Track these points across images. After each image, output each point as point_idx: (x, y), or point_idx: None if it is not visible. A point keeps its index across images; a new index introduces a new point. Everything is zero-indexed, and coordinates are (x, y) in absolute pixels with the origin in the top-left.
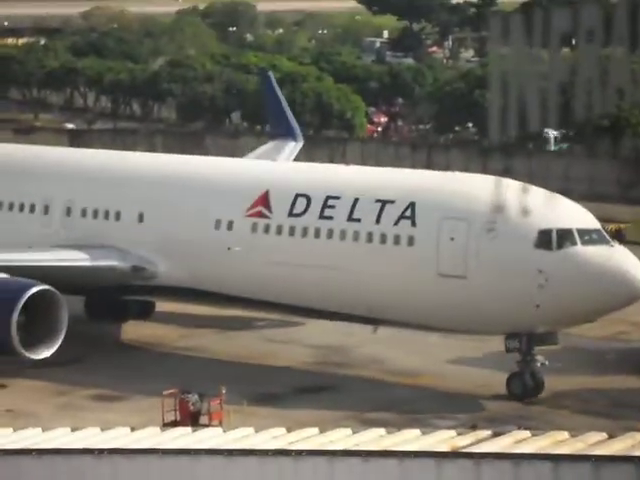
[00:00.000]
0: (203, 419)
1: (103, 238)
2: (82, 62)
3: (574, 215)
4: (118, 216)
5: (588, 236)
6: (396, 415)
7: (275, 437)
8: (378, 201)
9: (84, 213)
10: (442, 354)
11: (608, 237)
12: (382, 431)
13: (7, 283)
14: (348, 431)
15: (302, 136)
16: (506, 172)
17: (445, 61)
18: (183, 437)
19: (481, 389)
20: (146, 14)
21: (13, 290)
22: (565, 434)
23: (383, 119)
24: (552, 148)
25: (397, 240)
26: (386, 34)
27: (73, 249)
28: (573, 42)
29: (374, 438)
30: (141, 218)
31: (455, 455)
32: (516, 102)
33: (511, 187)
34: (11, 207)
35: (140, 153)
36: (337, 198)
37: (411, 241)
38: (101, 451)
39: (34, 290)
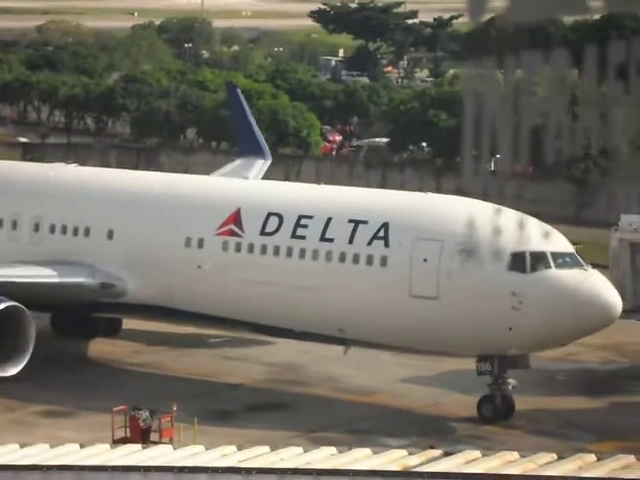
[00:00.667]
0: (154, 436)
1: (71, 254)
2: (36, 76)
3: (548, 238)
4: (87, 232)
5: (562, 259)
6: (348, 434)
7: (225, 455)
8: (351, 221)
9: (52, 229)
10: (395, 373)
11: (582, 261)
12: (333, 450)
13: None
14: (299, 449)
15: (270, 154)
16: (459, 192)
17: (400, 80)
18: (133, 454)
19: (433, 408)
20: (101, 28)
21: None
22: (515, 454)
23: (338, 137)
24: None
25: (370, 260)
26: (342, 53)
27: (41, 265)
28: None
29: (325, 457)
30: (110, 235)
31: (406, 474)
32: (487, 128)
33: (484, 209)
34: None
35: (111, 169)
36: (310, 217)
37: (384, 261)
38: (50, 467)
39: (1, 307)
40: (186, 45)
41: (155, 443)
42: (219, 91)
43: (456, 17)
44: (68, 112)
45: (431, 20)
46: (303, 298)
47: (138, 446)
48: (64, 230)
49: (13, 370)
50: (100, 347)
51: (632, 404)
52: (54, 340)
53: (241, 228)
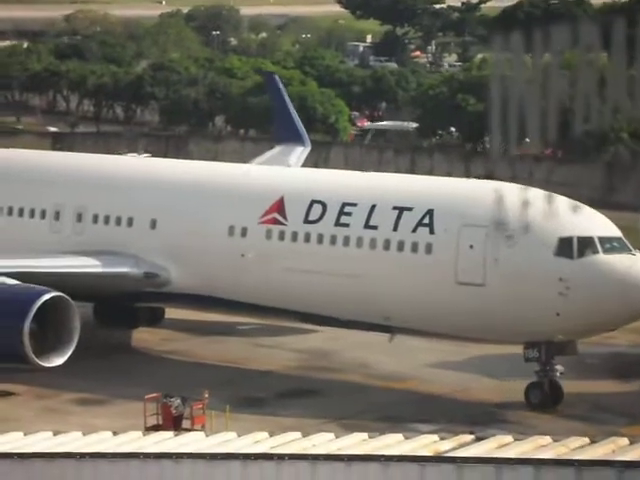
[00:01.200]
0: (185, 423)
1: (115, 245)
2: (65, 65)
3: (595, 223)
4: (130, 222)
5: (609, 244)
6: (379, 420)
7: (257, 441)
8: (395, 208)
9: (96, 219)
10: (424, 358)
11: (630, 245)
12: (365, 435)
13: (19, 290)
14: (331, 435)
15: (309, 141)
16: (489, 177)
17: (428, 65)
18: (165, 441)
19: (463, 393)
20: (129, 17)
21: (25, 297)
22: (547, 439)
23: (367, 123)
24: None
25: (415, 248)
26: (369, 38)
27: (85, 255)
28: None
29: (357, 442)
30: (154, 224)
31: (438, 459)
32: (516, 113)
33: (532, 194)
34: (21, 213)
35: (153, 158)
36: (354, 205)
37: (429, 249)
38: (83, 455)
39: (46, 297)
40: (214, 33)
41: (187, 430)
42: (247, 78)
43: (484, 1)
44: (97, 101)
45: (459, 4)
46: (347, 286)
47: (170, 433)
48: (107, 220)
49: (58, 360)
50: (131, 335)
51: None
52: (96, 330)
53: (284, 216)
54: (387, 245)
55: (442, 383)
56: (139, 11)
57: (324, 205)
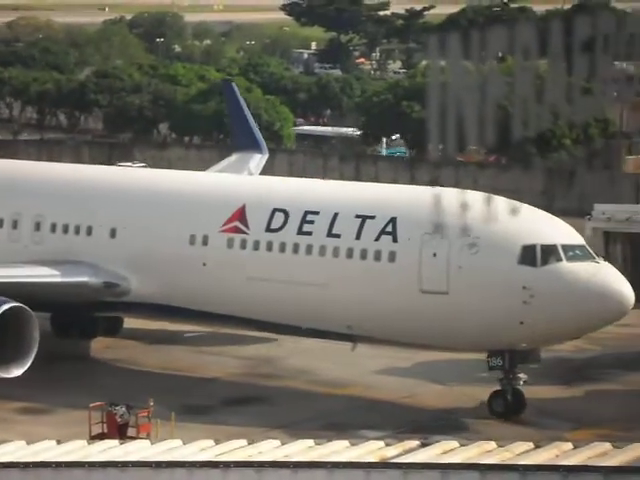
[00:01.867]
0: (131, 431)
1: (74, 254)
2: (7, 72)
3: (558, 230)
4: (89, 231)
5: (572, 252)
6: (325, 426)
7: (203, 449)
8: (358, 216)
9: (54, 228)
10: (370, 365)
11: (593, 253)
12: (311, 442)
13: None
14: (277, 442)
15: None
16: (434, 183)
17: (373, 72)
18: (110, 450)
19: (409, 399)
20: (72, 24)
21: None
22: (492, 444)
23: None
24: (384, 152)
25: (378, 256)
26: (314, 45)
27: (43, 265)
28: (500, 55)
29: (303, 449)
30: (113, 233)
31: (384, 465)
32: (452, 116)
33: (494, 202)
34: None
35: (111, 167)
36: (316, 213)
37: (392, 257)
38: (27, 465)
39: (5, 307)
40: (157, 40)
41: (132, 438)
42: (191, 85)
43: (428, 8)
44: (40, 108)
45: (403, 11)
46: (310, 295)
47: (115, 442)
48: (65, 229)
49: (17, 371)
50: (77, 343)
51: (606, 392)
52: (49, 339)
53: (246, 225)
54: (350, 253)
55: (388, 389)
56: (82, 18)
57: (286, 213)
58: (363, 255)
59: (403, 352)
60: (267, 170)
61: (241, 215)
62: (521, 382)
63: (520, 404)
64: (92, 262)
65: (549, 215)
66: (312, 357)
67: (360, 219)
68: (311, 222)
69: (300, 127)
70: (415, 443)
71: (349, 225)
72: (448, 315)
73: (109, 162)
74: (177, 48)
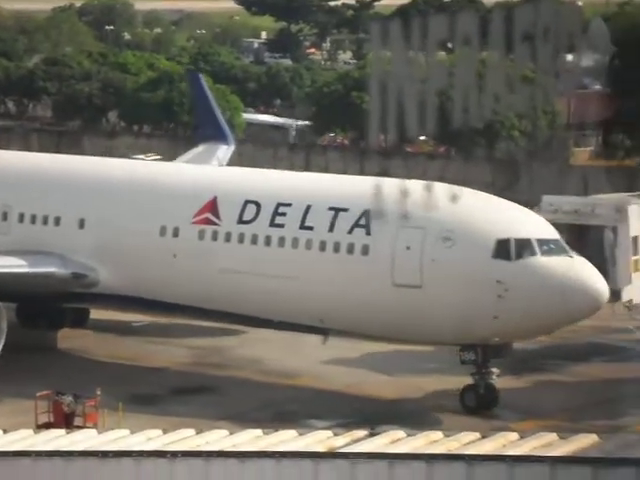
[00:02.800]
0: (78, 421)
1: (42, 244)
2: None
3: (532, 224)
4: (57, 221)
5: (547, 246)
6: (273, 416)
7: (150, 439)
8: (331, 209)
9: (22, 218)
10: (319, 355)
11: (567, 247)
12: (259, 432)
13: None
14: (224, 432)
15: (233, 139)
16: (383, 174)
17: (323, 62)
18: (57, 439)
19: (357, 389)
20: (21, 11)
21: None
22: (439, 434)
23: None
24: (292, 140)
25: (351, 249)
26: (264, 35)
27: (10, 255)
28: (450, 46)
29: (251, 439)
30: (82, 224)
31: (331, 455)
32: (395, 106)
33: (469, 195)
34: None
35: (81, 156)
36: (288, 205)
37: (366, 250)
38: None
39: None
40: (107, 27)
41: (79, 428)
42: (141, 74)
43: None
44: None
45: (353, 2)
46: (282, 288)
47: (62, 431)
48: (33, 219)
49: None
50: (24, 332)
51: (553, 383)
52: (13, 330)
53: (218, 216)
54: (323, 246)
55: (336, 379)
56: (31, 5)
57: (258, 205)
58: (336, 248)
59: (351, 343)
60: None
61: (213, 206)
62: (494, 376)
63: (492, 399)
64: (60, 253)
65: (524, 209)
66: (261, 347)
67: (333, 211)
68: (283, 214)
69: (250, 116)
70: (363, 433)
71: (322, 217)
72: (421, 309)
73: (57, 150)
74: (127, 36)
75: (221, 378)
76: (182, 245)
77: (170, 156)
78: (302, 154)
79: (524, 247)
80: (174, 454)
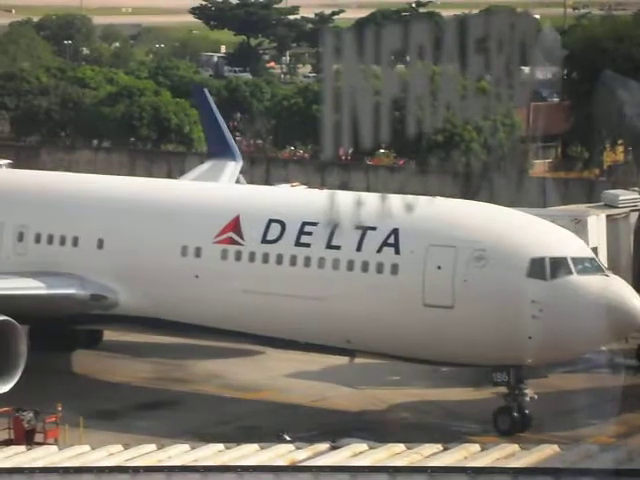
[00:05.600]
0: (38, 437)
1: (59, 265)
2: None
3: (567, 243)
4: (75, 242)
5: (582, 265)
6: (235, 430)
7: (112, 454)
8: (359, 227)
9: (38, 239)
10: (281, 368)
11: (602, 266)
12: (221, 446)
13: None
14: (186, 447)
15: (240, 155)
16: (343, 187)
17: (282, 76)
18: (17, 456)
19: (320, 402)
20: None
21: None
22: (401, 446)
23: None
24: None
25: (380, 269)
26: (223, 49)
27: (27, 277)
28: (407, 59)
29: (213, 453)
30: (101, 244)
31: (293, 469)
32: (349, 118)
33: (502, 213)
34: None
35: (98, 175)
36: (314, 224)
37: (395, 270)
38: None
39: None
40: (65, 42)
41: (40, 444)
42: (100, 88)
43: (337, 13)
44: None
45: (312, 16)
46: (308, 308)
47: (22, 448)
48: (50, 240)
49: (4, 387)
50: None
51: None
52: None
53: (241, 236)
54: (351, 266)
55: (298, 393)
56: None
57: (283, 224)
58: (364, 267)
59: (312, 356)
60: (178, 173)
61: (235, 226)
62: (527, 398)
63: (526, 422)
64: (79, 274)
65: (558, 227)
66: (224, 361)
67: (361, 230)
68: (309, 233)
69: None
70: (325, 446)
71: (349, 236)
72: (453, 330)
73: (16, 165)
74: (85, 51)
75: (183, 393)
76: (204, 265)
77: (131, 171)
78: (262, 167)
79: (559, 266)
80: (136, 469)
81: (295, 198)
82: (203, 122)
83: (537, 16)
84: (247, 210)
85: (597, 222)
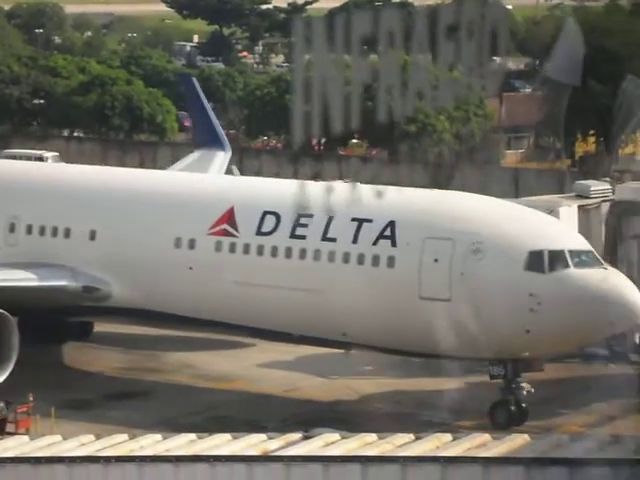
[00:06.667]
0: (10, 427)
1: (51, 257)
2: None
3: (565, 235)
4: (68, 233)
5: (580, 258)
6: (208, 420)
7: (83, 444)
8: (354, 220)
9: (30, 230)
10: (254, 358)
11: (600, 259)
12: (193, 436)
13: None
14: (158, 437)
15: (229, 145)
16: (316, 177)
17: (255, 66)
18: None
19: (293, 392)
20: None
21: None
22: (374, 436)
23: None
24: None
25: (376, 261)
26: (196, 38)
27: (19, 268)
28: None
29: (185, 443)
30: (93, 235)
31: (265, 459)
32: (319, 107)
33: (496, 205)
34: None
35: (90, 166)
36: (309, 216)
37: (391, 262)
38: None
39: None
40: (37, 31)
41: (11, 434)
42: (72, 77)
43: (310, 2)
44: None
45: (285, 5)
46: (304, 301)
47: None
48: (42, 231)
49: None
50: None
51: (486, 384)
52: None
53: (235, 228)
54: (346, 258)
55: (271, 383)
56: None
57: (278, 216)
58: (360, 260)
59: (285, 346)
60: (151, 163)
61: (230, 217)
62: (524, 392)
63: (522, 415)
64: (71, 265)
65: (555, 219)
66: (196, 351)
67: (357, 222)
68: (305, 225)
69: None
70: (297, 436)
71: (345, 229)
72: (449, 323)
73: None
74: (57, 40)
75: (156, 383)
76: (198, 257)
77: (103, 160)
78: (235, 157)
79: (557, 259)
80: (107, 459)
81: (289, 190)
82: (191, 112)
83: (509, 6)
84: (242, 202)
85: (569, 213)
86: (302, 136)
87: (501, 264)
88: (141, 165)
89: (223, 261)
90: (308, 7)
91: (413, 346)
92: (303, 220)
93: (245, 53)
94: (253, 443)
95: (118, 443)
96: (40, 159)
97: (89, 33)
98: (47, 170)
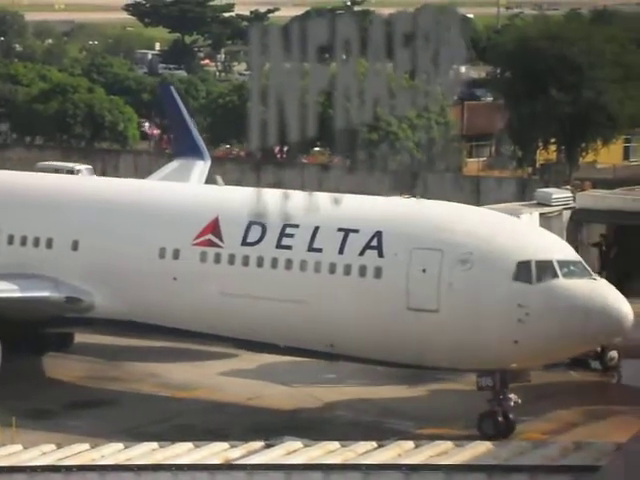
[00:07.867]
0: None
1: (33, 267)
2: None
3: (553, 246)
4: (50, 244)
5: (568, 268)
6: (169, 429)
7: (45, 453)
8: (341, 230)
9: (11, 240)
10: (216, 366)
11: (589, 269)
12: (155, 445)
13: None
14: (120, 446)
15: (208, 154)
16: (278, 185)
17: (218, 74)
18: None
19: (255, 401)
20: None
21: None
22: (336, 444)
23: (156, 131)
24: None
25: (363, 272)
26: (158, 46)
27: (0, 279)
28: (343, 57)
29: (147, 452)
30: (75, 246)
31: (228, 467)
32: (277, 115)
33: (483, 214)
34: None
35: (73, 176)
36: (295, 226)
37: (378, 273)
38: None
39: None
40: None
41: None
42: (33, 85)
43: (272, 10)
44: None
45: (247, 13)
46: (290, 312)
47: None
48: (24, 241)
49: None
50: None
51: (449, 391)
52: None
53: (220, 238)
54: (333, 269)
55: (233, 391)
56: None
57: (263, 226)
58: (347, 271)
59: (247, 354)
60: (112, 171)
61: (215, 228)
62: (512, 403)
63: (509, 427)
64: (53, 276)
65: (543, 230)
66: (158, 360)
67: (343, 232)
68: (291, 235)
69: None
70: (259, 444)
71: (331, 239)
72: (437, 334)
73: None
74: (18, 47)
75: (118, 392)
76: (183, 268)
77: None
78: None
79: (545, 269)
80: (68, 468)
81: (275, 199)
82: (169, 120)
83: (471, 15)
84: (227, 212)
85: (530, 220)
86: (259, 144)
87: (490, 275)
88: (103, 173)
89: (208, 272)
90: (270, 15)
91: (401, 357)
92: (289, 230)
93: (207, 61)
94: (215, 452)
95: (79, 452)
96: (71, 172)
97: (50, 41)
98: (28, 180)
